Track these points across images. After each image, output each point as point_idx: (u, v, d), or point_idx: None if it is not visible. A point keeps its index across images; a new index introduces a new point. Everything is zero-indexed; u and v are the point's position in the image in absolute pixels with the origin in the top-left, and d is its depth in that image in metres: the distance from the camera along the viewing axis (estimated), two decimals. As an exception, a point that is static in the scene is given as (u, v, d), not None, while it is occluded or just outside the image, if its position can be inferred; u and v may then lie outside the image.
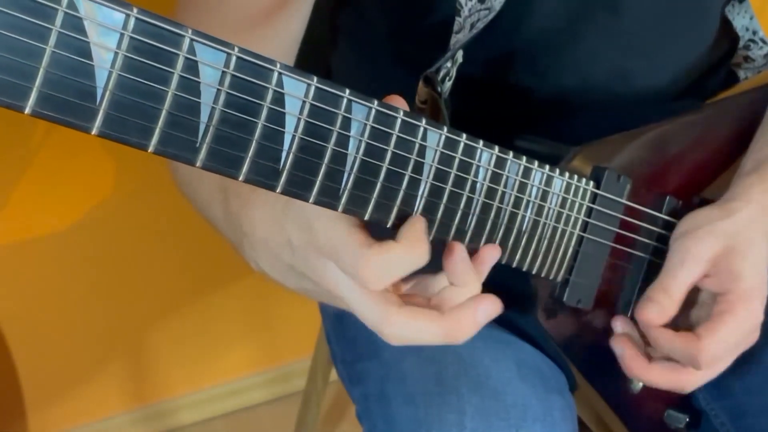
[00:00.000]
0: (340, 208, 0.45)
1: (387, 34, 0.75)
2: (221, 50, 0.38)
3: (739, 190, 0.67)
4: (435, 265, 0.50)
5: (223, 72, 0.38)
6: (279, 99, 0.41)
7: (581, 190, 0.60)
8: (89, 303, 1.30)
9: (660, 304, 0.63)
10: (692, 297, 0.66)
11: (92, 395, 1.37)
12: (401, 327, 0.46)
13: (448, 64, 0.65)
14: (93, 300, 1.30)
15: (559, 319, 0.67)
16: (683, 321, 0.67)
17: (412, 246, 0.46)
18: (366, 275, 0.45)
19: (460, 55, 0.65)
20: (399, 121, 0.46)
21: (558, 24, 0.68)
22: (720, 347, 0.63)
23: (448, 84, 0.66)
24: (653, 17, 0.71)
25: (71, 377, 1.34)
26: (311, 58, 0.68)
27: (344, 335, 0.81)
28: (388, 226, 0.48)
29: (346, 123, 0.44)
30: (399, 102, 0.48)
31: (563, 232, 0.60)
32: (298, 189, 0.43)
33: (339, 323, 0.82)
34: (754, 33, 0.82)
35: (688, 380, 0.65)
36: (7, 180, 1.15)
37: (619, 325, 0.68)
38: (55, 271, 1.25)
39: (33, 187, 1.17)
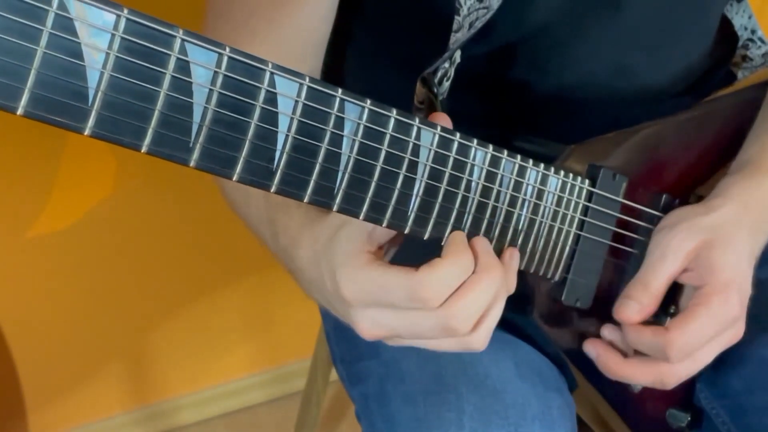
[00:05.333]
0: (335, 208, 0.45)
1: (386, 36, 0.75)
2: (212, 50, 0.38)
3: (721, 188, 0.67)
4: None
5: (215, 72, 0.38)
6: (272, 99, 0.41)
7: (577, 188, 0.60)
8: (89, 303, 1.30)
9: (639, 302, 0.63)
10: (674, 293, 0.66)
11: (92, 395, 1.37)
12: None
13: (446, 65, 0.65)
14: (93, 300, 1.30)
15: (558, 318, 0.67)
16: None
17: (456, 256, 0.49)
18: (425, 295, 0.47)
19: (458, 55, 0.65)
20: (392, 120, 0.46)
21: (560, 20, 0.68)
22: (690, 340, 0.62)
23: (447, 84, 0.66)
24: (655, 14, 0.71)
25: (71, 377, 1.34)
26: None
27: (344, 335, 0.81)
28: (383, 225, 0.48)
29: (340, 122, 0.44)
30: (443, 119, 0.49)
31: (560, 230, 0.60)
32: (292, 188, 0.43)
33: (339, 323, 0.82)
34: (753, 32, 0.82)
35: (667, 374, 0.64)
36: (7, 180, 1.15)
37: (607, 333, 0.67)
38: (55, 271, 1.25)
39: (33, 186, 1.17)
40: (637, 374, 0.65)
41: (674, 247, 0.64)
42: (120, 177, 1.21)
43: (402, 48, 0.74)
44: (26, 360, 1.29)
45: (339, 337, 0.82)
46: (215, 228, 1.30)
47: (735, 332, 0.64)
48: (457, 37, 0.64)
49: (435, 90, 0.64)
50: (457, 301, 0.49)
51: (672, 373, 0.64)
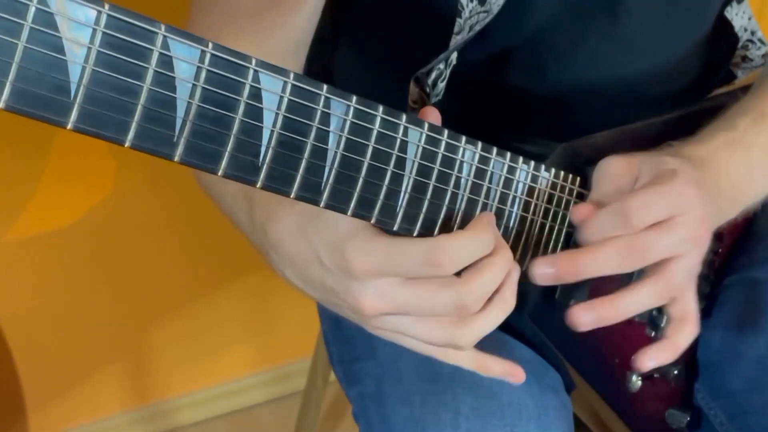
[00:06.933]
0: (323, 203, 0.45)
1: (385, 37, 0.75)
2: (195, 46, 0.38)
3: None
4: None
5: (198, 67, 0.38)
6: (256, 94, 0.41)
7: (568, 186, 0.60)
8: (89, 303, 1.30)
9: (588, 206, 0.58)
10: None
11: (92, 395, 1.37)
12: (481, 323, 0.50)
13: (441, 66, 0.65)
14: (93, 300, 1.30)
15: (552, 318, 0.67)
16: None
17: (480, 232, 0.49)
18: (442, 259, 0.47)
19: (454, 57, 0.66)
20: (379, 117, 0.46)
21: (557, 25, 0.69)
22: (648, 198, 0.56)
23: (441, 85, 0.66)
24: (652, 19, 0.72)
25: (71, 377, 1.35)
26: (314, 60, 0.69)
27: (341, 336, 0.81)
28: (372, 222, 0.48)
29: (325, 118, 0.44)
30: (432, 114, 0.49)
31: (551, 228, 0.60)
32: (278, 184, 0.43)
33: (336, 324, 0.82)
34: (753, 33, 0.83)
35: (632, 240, 0.56)
36: (7, 180, 1.16)
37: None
38: (56, 271, 1.26)
39: (33, 186, 1.18)
40: (603, 250, 0.56)
41: (610, 161, 0.60)
42: (120, 176, 1.22)
43: (401, 50, 0.74)
44: (26, 360, 1.29)
45: (336, 337, 0.83)
46: (215, 227, 1.30)
47: (701, 235, 0.58)
48: (457, 40, 0.64)
49: (427, 90, 0.64)
50: (476, 278, 0.48)
51: (639, 240, 0.56)
